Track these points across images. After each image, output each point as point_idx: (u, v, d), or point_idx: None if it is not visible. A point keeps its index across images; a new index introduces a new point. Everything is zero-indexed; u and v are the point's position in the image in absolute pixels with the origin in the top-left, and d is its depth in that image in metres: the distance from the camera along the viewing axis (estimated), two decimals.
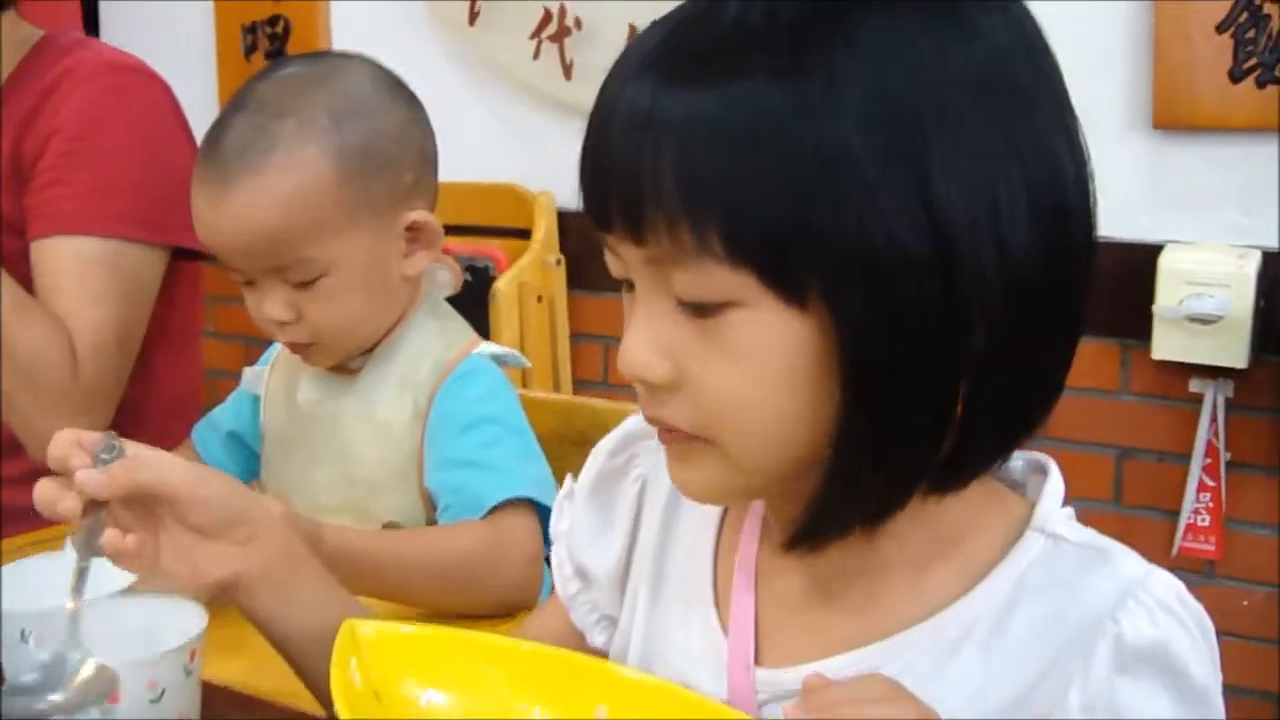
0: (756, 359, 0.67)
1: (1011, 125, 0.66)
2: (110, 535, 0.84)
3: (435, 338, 1.26)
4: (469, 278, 2.29)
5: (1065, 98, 0.70)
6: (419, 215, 1.23)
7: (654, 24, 0.70)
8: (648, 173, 0.65)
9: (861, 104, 0.63)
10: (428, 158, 1.27)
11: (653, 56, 0.67)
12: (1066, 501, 0.75)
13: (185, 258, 1.56)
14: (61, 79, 1.51)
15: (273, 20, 2.45)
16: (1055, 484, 0.75)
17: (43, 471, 0.85)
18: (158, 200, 1.50)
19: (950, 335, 0.65)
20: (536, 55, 2.22)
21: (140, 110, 1.53)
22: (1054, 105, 0.69)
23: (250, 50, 2.48)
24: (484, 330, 1.80)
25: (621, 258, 0.70)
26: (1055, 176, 0.67)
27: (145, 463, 0.86)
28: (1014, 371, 0.68)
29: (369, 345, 1.25)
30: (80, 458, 0.84)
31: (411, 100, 1.28)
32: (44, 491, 0.84)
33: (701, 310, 0.67)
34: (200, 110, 2.51)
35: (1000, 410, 0.69)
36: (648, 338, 0.69)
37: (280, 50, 2.44)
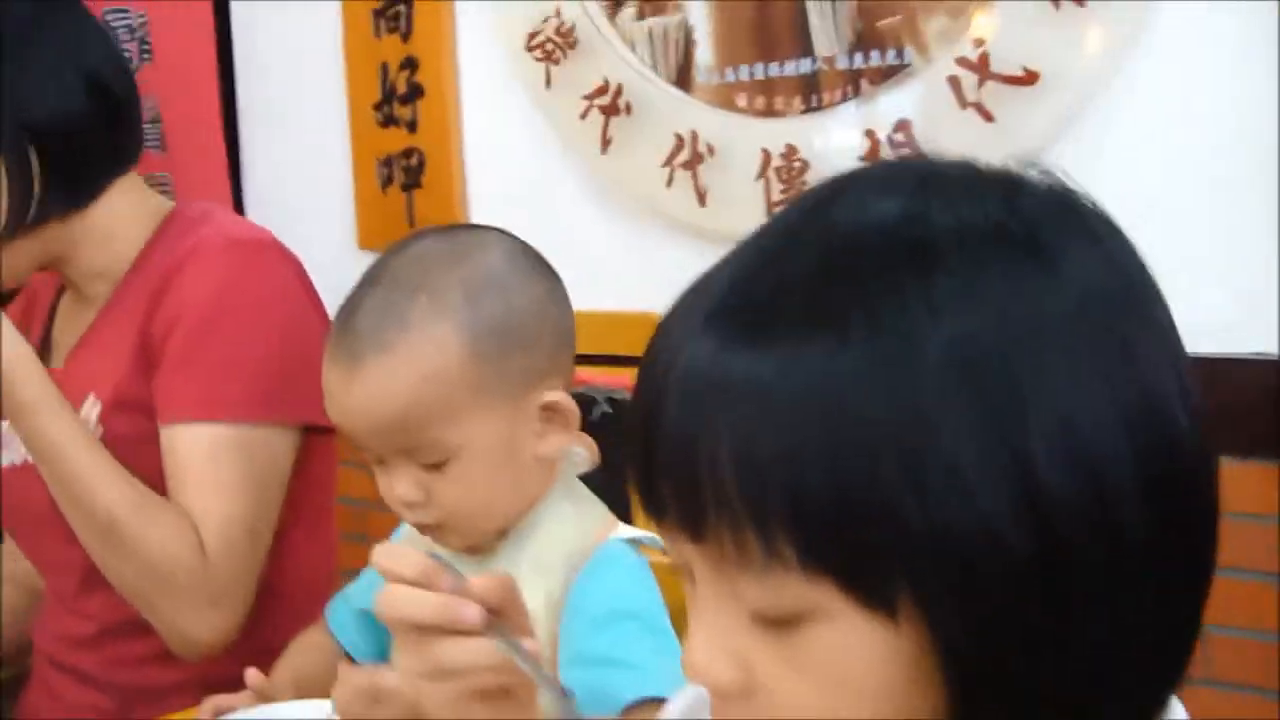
0: (842, 677, 0.59)
1: (1115, 383, 0.58)
2: None
3: (570, 523, 1.23)
4: (608, 409, 2.28)
5: (1172, 337, 0.63)
6: (554, 396, 1.20)
7: (720, 264, 0.65)
8: (704, 459, 0.58)
9: (943, 369, 0.56)
10: (564, 335, 1.24)
11: (713, 310, 0.61)
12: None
13: (319, 432, 1.55)
14: (187, 259, 1.51)
15: (407, 153, 2.47)
16: None
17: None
18: (287, 379, 1.50)
19: (1065, 632, 0.58)
20: (669, 183, 2.20)
21: (265, 288, 1.53)
22: (1160, 349, 0.61)
23: (386, 183, 2.50)
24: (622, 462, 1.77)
25: (679, 551, 0.63)
26: (1168, 437, 0.59)
27: None
28: (1144, 652, 0.60)
29: (501, 528, 1.22)
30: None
31: (549, 275, 1.25)
32: None
33: (775, 621, 0.60)
34: (339, 249, 2.55)
35: (1131, 692, 0.62)
36: (714, 643, 0.62)
37: (415, 183, 2.46)
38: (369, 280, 1.20)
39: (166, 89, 2.59)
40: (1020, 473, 0.56)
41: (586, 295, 2.21)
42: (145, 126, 2.44)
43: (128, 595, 1.44)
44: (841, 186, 0.65)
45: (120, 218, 1.55)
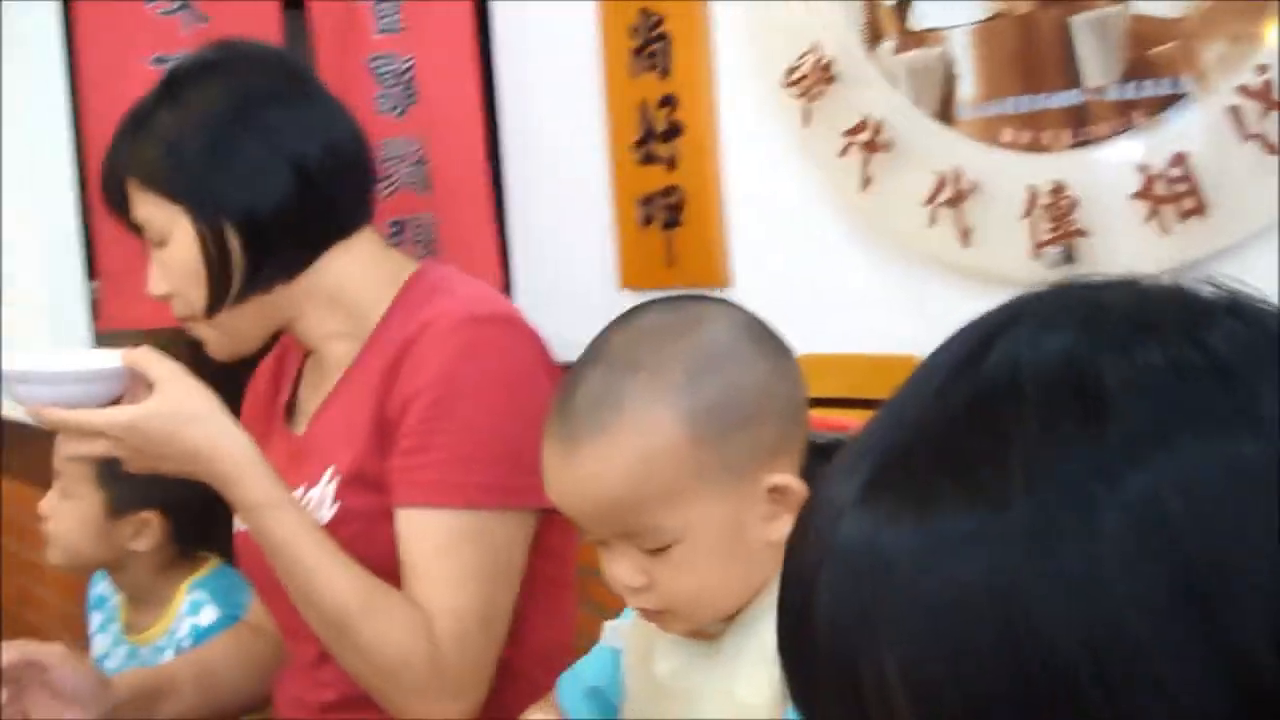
0: None
1: None
2: None
3: None
4: None
5: None
6: (783, 478, 1.15)
7: (871, 426, 0.59)
8: (869, 675, 0.52)
9: (1122, 540, 0.48)
10: (793, 413, 1.18)
11: (875, 480, 0.55)
12: None
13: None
14: (423, 332, 1.50)
15: (667, 191, 2.44)
16: None
17: None
18: (522, 462, 1.46)
19: None
20: (931, 222, 2.12)
21: (501, 367, 1.50)
22: None
23: (646, 222, 2.48)
24: None
25: None
26: None
27: None
28: None
29: (727, 614, 1.18)
30: None
31: (777, 349, 1.19)
32: None
33: None
34: (601, 288, 2.53)
35: None
36: None
37: (675, 221, 2.43)
38: (589, 358, 1.17)
39: (432, 130, 2.63)
40: (1233, 669, 0.47)
41: (846, 337, 2.16)
42: (409, 169, 2.50)
43: (362, 685, 1.45)
44: (995, 328, 0.58)
45: (350, 280, 1.56)
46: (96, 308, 2.97)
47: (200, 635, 2.08)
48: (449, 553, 1.43)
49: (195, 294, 1.53)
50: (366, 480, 1.48)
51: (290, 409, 1.63)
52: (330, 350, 1.57)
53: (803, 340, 1.24)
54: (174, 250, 1.52)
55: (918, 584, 0.52)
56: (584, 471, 1.12)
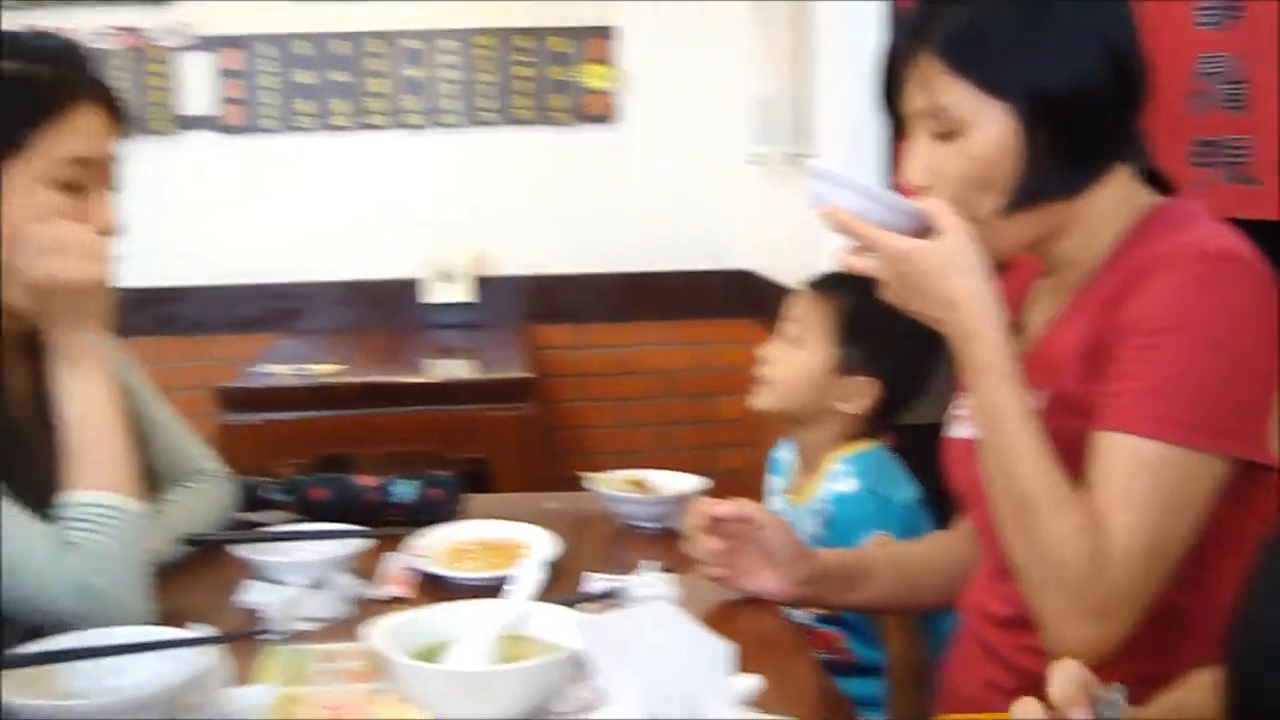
0: None
1: None
2: None
3: None
4: None
5: None
6: None
7: None
8: None
9: None
10: None
11: None
12: None
13: (1262, 469, 1.47)
14: (1155, 265, 1.47)
15: None
16: None
17: None
18: (1225, 407, 1.43)
19: None
20: None
21: (1223, 305, 1.44)
22: None
23: None
24: None
25: None
26: None
27: None
28: None
29: None
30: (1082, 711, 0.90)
31: None
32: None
33: None
34: None
35: None
36: None
37: None
38: None
39: (1253, 47, 2.52)
40: None
41: None
42: (1224, 87, 2.42)
43: (1019, 577, 1.47)
44: None
45: (1103, 208, 1.54)
46: None
47: (838, 500, 2.20)
48: (1131, 478, 1.41)
49: (977, 191, 1.51)
50: (1071, 404, 1.49)
51: (1014, 330, 1.63)
52: (1064, 276, 1.59)
53: None
54: (973, 141, 1.50)
55: None
56: None
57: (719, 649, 1.12)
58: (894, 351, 2.27)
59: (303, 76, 4.47)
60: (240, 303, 4.51)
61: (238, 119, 4.48)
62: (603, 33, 4.49)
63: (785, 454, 2.45)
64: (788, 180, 3.84)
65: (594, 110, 4.52)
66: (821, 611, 2.15)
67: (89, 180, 1.71)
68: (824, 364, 2.30)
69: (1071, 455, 1.45)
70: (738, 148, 4.40)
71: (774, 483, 2.45)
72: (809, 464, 2.34)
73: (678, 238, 4.57)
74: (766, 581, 1.79)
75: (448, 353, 4.25)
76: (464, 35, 4.47)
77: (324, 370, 3.79)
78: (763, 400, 2.38)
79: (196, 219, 4.45)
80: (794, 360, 2.32)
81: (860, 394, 2.29)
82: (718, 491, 1.95)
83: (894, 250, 1.48)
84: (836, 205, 1.50)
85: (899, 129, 1.61)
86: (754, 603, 1.79)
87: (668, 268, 4.58)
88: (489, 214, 4.54)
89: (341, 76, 4.48)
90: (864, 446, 2.30)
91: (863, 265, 1.52)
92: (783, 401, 2.34)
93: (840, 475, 2.26)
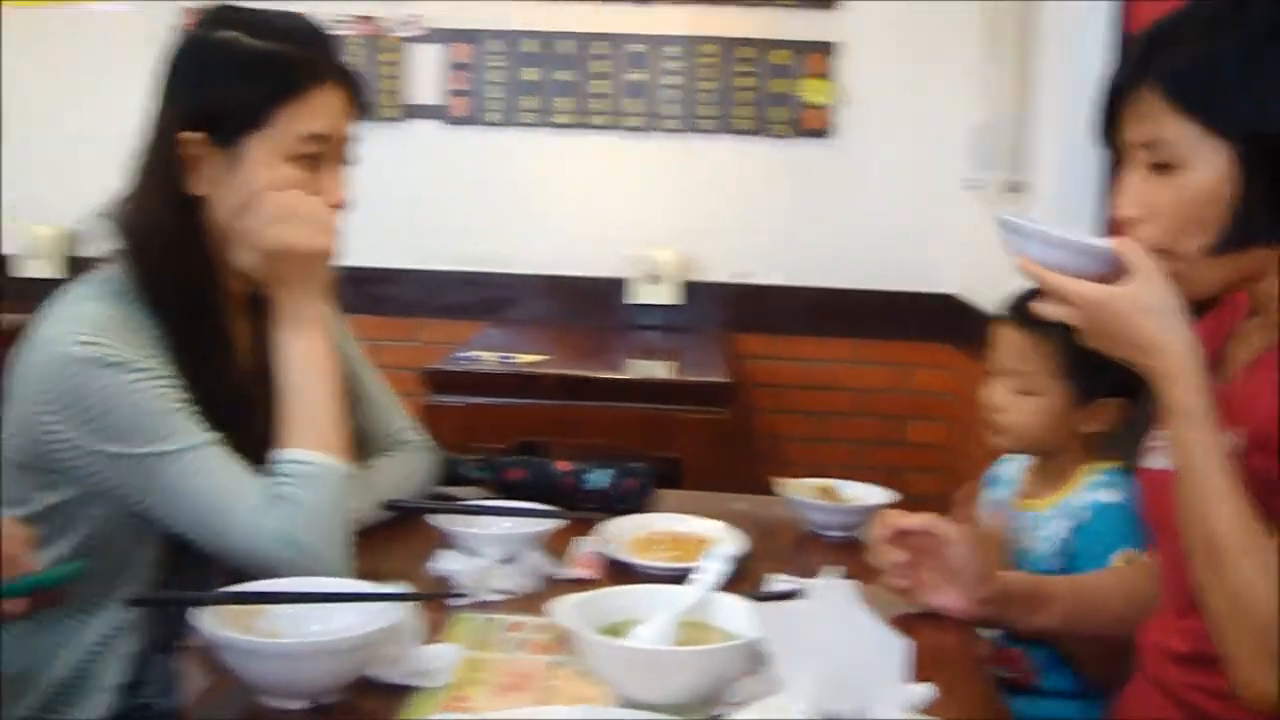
0: None
1: None
2: None
3: None
4: None
5: None
6: None
7: None
8: None
9: None
10: None
11: None
12: None
13: None
14: None
15: None
16: None
17: None
18: None
19: None
20: None
21: None
22: None
23: None
24: None
25: None
26: None
27: None
28: None
29: None
30: None
31: None
32: None
33: None
34: None
35: None
36: None
37: None
38: None
39: None
40: None
41: None
42: None
43: (1207, 616, 1.45)
44: None
45: None
46: None
47: (1099, 510, 2.17)
48: None
49: (1186, 228, 1.50)
50: (1271, 445, 1.46)
51: (1217, 363, 1.62)
52: (1269, 314, 1.57)
53: None
54: (1188, 178, 1.49)
55: None
56: None
57: (895, 644, 1.14)
58: (1124, 368, 2.24)
59: (528, 73, 4.58)
60: (451, 289, 4.63)
61: (462, 110, 4.60)
62: (825, 48, 4.51)
63: (1009, 468, 2.43)
64: (1005, 207, 3.81)
65: (812, 124, 4.54)
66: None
67: (324, 156, 1.80)
68: (1059, 403, 2.25)
69: (1268, 496, 1.44)
70: (955, 171, 4.38)
71: (995, 495, 2.42)
72: (1051, 476, 2.30)
73: (884, 256, 4.57)
74: (947, 597, 1.79)
75: (650, 353, 4.30)
76: (688, 42, 4.53)
77: (528, 360, 3.87)
78: (1003, 444, 2.35)
79: (415, 205, 4.59)
80: (1028, 406, 2.27)
81: (1104, 414, 2.25)
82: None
83: (1085, 298, 1.49)
84: (1027, 255, 1.51)
85: (1118, 160, 1.61)
86: (933, 617, 1.79)
87: (871, 286, 4.57)
88: (699, 219, 4.59)
89: (565, 75, 4.57)
90: (1112, 465, 2.26)
91: (1057, 314, 1.52)
92: (1024, 445, 2.32)
93: (1103, 485, 2.22)
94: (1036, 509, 2.27)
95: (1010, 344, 2.29)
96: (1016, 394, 2.28)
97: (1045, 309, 1.53)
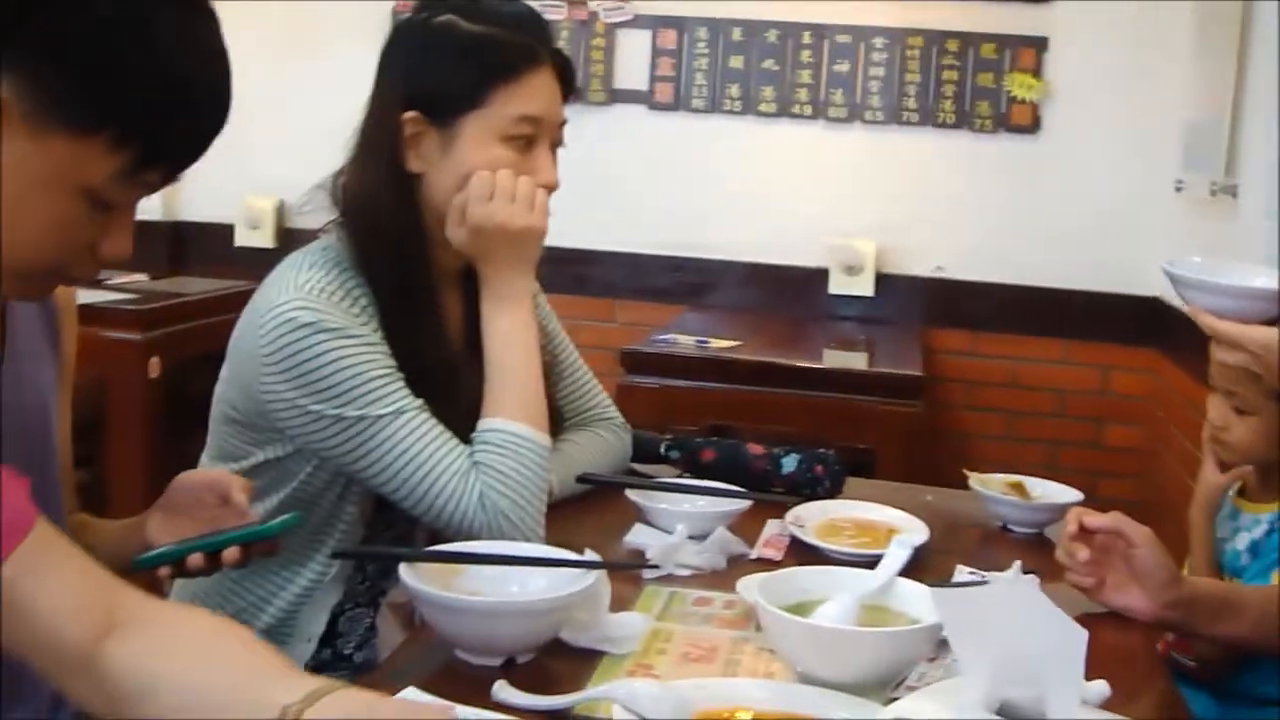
0: None
1: None
2: None
3: None
4: None
5: None
6: None
7: None
8: None
9: None
10: None
11: None
12: None
13: None
14: None
15: None
16: None
17: None
18: None
19: None
20: None
21: None
22: None
23: None
24: None
25: None
26: None
27: None
28: None
29: None
30: None
31: None
32: None
33: None
34: None
35: None
36: None
37: None
38: None
39: None
40: None
41: None
42: None
43: None
44: None
45: None
46: None
47: None
48: None
49: None
50: None
51: None
52: None
53: None
54: None
55: None
56: None
57: (1075, 637, 1.16)
58: None
59: (734, 61, 4.61)
60: (651, 272, 4.70)
61: (667, 96, 4.66)
62: (1034, 43, 4.45)
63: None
64: (1215, 210, 3.73)
65: (1018, 120, 4.49)
66: None
67: (536, 138, 1.86)
68: (1276, 423, 2.24)
69: None
70: (1165, 172, 4.30)
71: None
72: (1272, 485, 2.28)
73: (1087, 256, 4.50)
74: (1132, 599, 1.79)
75: (845, 343, 4.31)
76: (894, 34, 4.51)
77: (723, 345, 3.91)
78: (1230, 460, 2.35)
79: (618, 188, 4.66)
80: (1249, 426, 2.27)
81: None
82: None
83: (1256, 343, 1.49)
84: (1196, 305, 1.52)
85: None
86: (1116, 618, 1.78)
87: (1072, 285, 4.51)
88: (900, 212, 4.58)
89: (770, 64, 4.60)
90: None
91: (1236, 360, 1.52)
92: (1251, 460, 2.31)
93: None
94: (1254, 511, 2.26)
95: (1224, 365, 2.28)
96: (1235, 412, 2.26)
97: (1223, 356, 1.54)
